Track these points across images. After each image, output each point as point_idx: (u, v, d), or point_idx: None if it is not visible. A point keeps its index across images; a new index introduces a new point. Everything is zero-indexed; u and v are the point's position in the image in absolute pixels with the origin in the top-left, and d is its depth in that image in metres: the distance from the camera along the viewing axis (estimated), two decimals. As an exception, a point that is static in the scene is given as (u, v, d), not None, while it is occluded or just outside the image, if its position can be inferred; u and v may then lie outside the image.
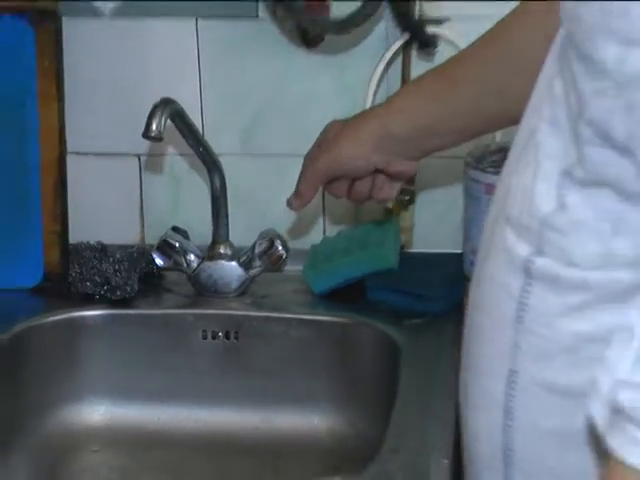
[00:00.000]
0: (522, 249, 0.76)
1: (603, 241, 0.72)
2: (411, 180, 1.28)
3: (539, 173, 0.76)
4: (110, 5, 1.31)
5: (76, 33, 1.30)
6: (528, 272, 0.76)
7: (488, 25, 0.99)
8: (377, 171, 1.12)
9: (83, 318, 1.28)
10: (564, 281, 0.74)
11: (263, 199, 1.36)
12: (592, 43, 0.70)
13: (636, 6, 0.66)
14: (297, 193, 1.16)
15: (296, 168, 1.15)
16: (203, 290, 1.28)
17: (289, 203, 1.17)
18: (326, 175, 1.14)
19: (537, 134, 0.77)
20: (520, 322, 0.76)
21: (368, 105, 1.26)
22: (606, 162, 0.71)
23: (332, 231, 1.36)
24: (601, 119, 0.70)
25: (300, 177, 1.15)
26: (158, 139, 1.08)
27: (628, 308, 0.66)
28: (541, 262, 0.75)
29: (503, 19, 0.99)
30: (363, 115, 1.13)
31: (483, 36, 1.01)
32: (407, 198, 1.31)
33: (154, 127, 1.06)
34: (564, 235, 0.74)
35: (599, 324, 0.72)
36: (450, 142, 1.09)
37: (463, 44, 1.13)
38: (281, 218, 1.33)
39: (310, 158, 1.14)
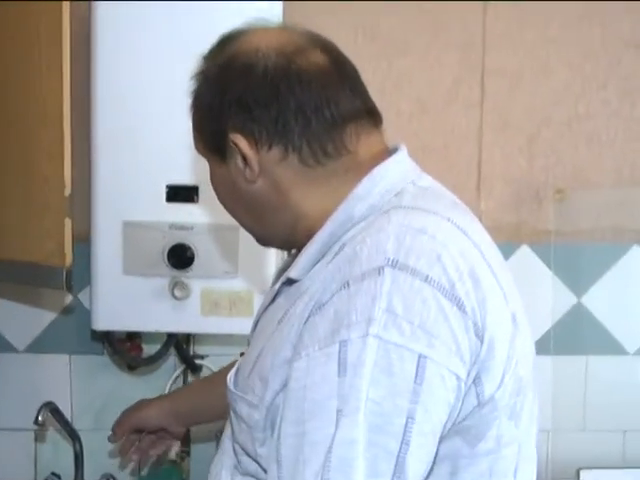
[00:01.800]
0: None
1: None
2: (187, 441, 2.26)
3: (225, 462, 1.25)
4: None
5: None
6: None
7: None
8: (161, 431, 1.85)
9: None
10: None
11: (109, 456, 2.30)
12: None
13: None
14: (113, 433, 1.87)
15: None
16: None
17: (109, 439, 1.89)
18: (130, 424, 1.84)
19: (225, 439, 1.28)
20: None
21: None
22: (251, 466, 1.18)
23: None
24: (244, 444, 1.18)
25: (115, 423, 1.87)
26: (42, 425, 2.06)
27: None
28: None
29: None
30: (160, 397, 1.97)
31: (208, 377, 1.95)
32: (185, 452, 2.28)
33: (40, 418, 2.04)
34: None
35: None
36: (205, 421, 1.91)
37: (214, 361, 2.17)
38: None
39: (124, 412, 1.88)
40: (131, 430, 1.88)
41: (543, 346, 2.31)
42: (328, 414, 1.02)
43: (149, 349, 2.26)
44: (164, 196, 1.96)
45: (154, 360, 2.24)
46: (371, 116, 1.23)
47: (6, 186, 1.90)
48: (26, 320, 2.29)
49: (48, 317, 2.29)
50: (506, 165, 2.29)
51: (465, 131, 2.27)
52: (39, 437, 2.32)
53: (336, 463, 1.01)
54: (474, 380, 1.07)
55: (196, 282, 1.98)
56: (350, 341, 1.03)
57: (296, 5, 2.12)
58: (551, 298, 2.32)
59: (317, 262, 1.16)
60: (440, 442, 1.08)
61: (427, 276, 1.04)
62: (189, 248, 1.96)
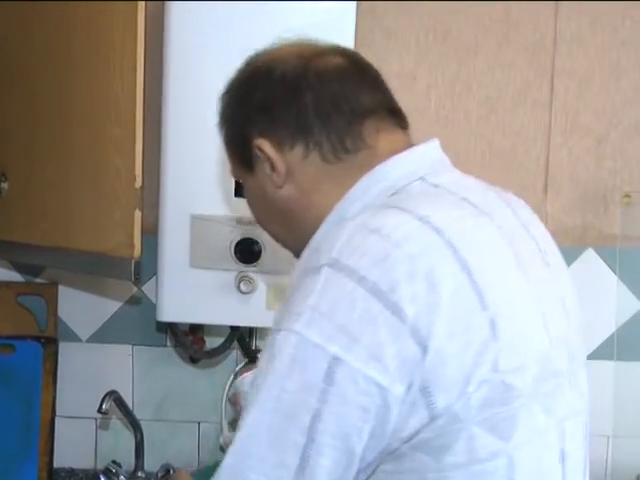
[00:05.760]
0: None
1: None
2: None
3: None
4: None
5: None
6: None
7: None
8: None
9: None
10: None
11: (169, 446, 2.33)
12: None
13: None
14: None
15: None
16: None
17: None
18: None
19: None
20: None
21: (225, 395, 2.27)
22: None
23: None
24: None
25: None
26: (105, 413, 2.08)
27: None
28: None
29: None
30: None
31: None
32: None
33: (104, 407, 2.06)
34: None
35: None
36: None
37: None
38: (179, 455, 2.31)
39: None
40: None
41: (605, 351, 2.29)
42: (250, 398, 1.08)
43: (211, 342, 2.27)
44: (232, 191, 1.97)
45: (217, 353, 2.26)
46: (394, 117, 1.25)
47: (77, 177, 1.92)
48: (90, 310, 2.32)
49: (112, 307, 2.32)
50: (574, 167, 2.27)
51: (533, 132, 2.26)
52: (101, 425, 2.34)
53: (238, 444, 1.06)
54: (421, 390, 1.03)
55: (262, 277, 2.00)
56: (280, 332, 1.07)
57: (368, 5, 2.13)
58: (615, 303, 2.30)
59: None
60: (402, 457, 1.06)
61: (363, 277, 1.03)
62: (256, 243, 1.97)
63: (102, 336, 2.32)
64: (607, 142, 2.27)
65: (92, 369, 2.32)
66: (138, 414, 2.24)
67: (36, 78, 1.99)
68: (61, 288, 2.31)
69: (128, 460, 2.24)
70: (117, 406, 2.16)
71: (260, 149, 1.22)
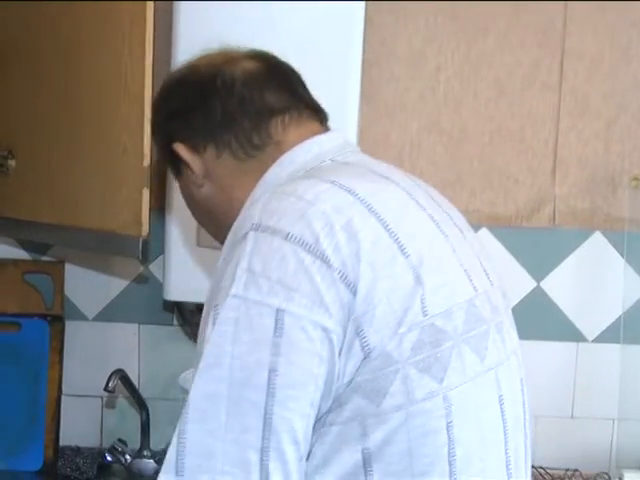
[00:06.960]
0: None
1: None
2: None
3: None
4: (92, 313, 2.34)
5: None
6: None
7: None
8: None
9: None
10: None
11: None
12: None
13: None
14: None
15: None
16: (134, 476, 2.23)
17: None
18: None
19: None
20: None
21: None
22: None
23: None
24: None
25: None
26: (112, 391, 2.09)
27: None
28: None
29: None
30: None
31: None
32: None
33: (110, 385, 2.07)
34: None
35: None
36: None
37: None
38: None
39: None
40: None
41: (612, 334, 2.29)
42: (195, 368, 1.08)
43: (217, 322, 2.26)
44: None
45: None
46: (310, 111, 1.33)
47: (85, 155, 1.92)
48: (97, 288, 2.33)
49: (118, 286, 2.33)
50: (582, 150, 2.27)
51: (542, 114, 2.25)
52: (107, 404, 2.35)
53: (193, 416, 1.06)
54: (357, 332, 1.07)
55: (269, 257, 1.98)
56: (217, 306, 1.08)
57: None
58: (622, 286, 2.29)
59: None
60: (343, 403, 1.09)
61: (288, 234, 1.08)
62: (264, 222, 1.96)
63: (109, 314, 2.32)
64: (616, 125, 2.26)
65: (98, 347, 2.33)
66: (144, 393, 2.25)
67: (44, 57, 1.98)
68: (68, 266, 2.31)
69: (134, 439, 2.25)
70: (123, 385, 2.17)
71: (177, 153, 1.32)
